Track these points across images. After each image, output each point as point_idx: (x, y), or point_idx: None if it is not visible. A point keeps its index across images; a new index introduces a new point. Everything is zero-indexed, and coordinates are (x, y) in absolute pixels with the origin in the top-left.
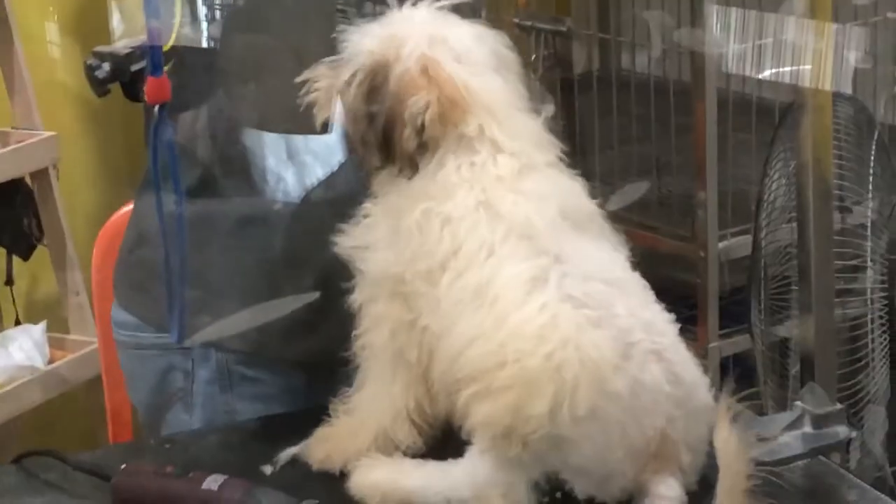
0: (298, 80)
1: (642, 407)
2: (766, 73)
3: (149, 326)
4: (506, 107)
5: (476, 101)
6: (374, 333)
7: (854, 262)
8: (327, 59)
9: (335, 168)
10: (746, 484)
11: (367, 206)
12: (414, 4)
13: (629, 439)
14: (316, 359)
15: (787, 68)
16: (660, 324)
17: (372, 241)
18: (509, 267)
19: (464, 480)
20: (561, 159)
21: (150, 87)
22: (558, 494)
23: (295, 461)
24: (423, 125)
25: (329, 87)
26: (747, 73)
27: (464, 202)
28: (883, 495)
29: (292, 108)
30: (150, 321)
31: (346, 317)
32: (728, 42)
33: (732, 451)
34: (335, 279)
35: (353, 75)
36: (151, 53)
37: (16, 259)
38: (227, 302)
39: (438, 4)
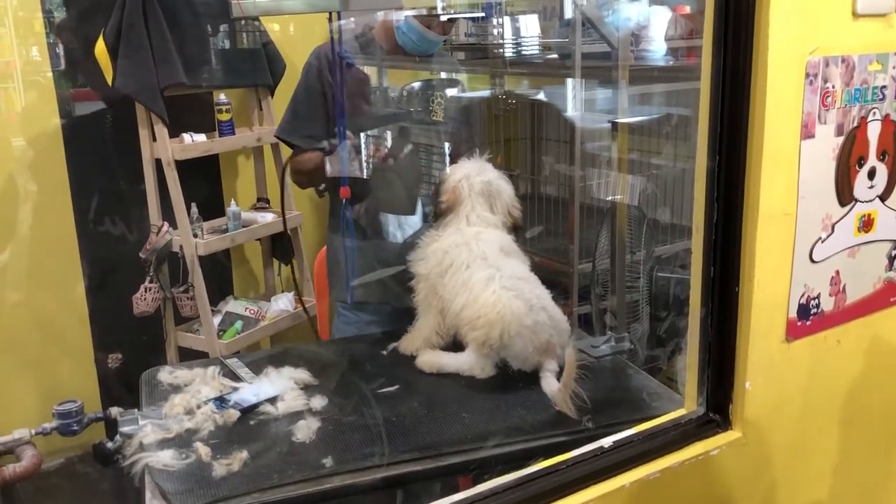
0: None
1: (538, 330)
2: (603, 195)
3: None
4: (478, 206)
5: (465, 203)
6: (421, 295)
7: (634, 275)
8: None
9: (416, 229)
10: (576, 365)
11: (422, 239)
12: None
13: (534, 344)
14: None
15: (611, 196)
16: (545, 297)
17: (419, 258)
18: (477, 273)
19: (465, 361)
20: (505, 224)
21: (342, 193)
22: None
23: (395, 349)
24: (446, 207)
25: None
26: (594, 195)
27: (455, 243)
28: (642, 371)
29: (401, 204)
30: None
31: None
32: (585, 180)
33: (572, 352)
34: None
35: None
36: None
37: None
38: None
39: (485, 156)
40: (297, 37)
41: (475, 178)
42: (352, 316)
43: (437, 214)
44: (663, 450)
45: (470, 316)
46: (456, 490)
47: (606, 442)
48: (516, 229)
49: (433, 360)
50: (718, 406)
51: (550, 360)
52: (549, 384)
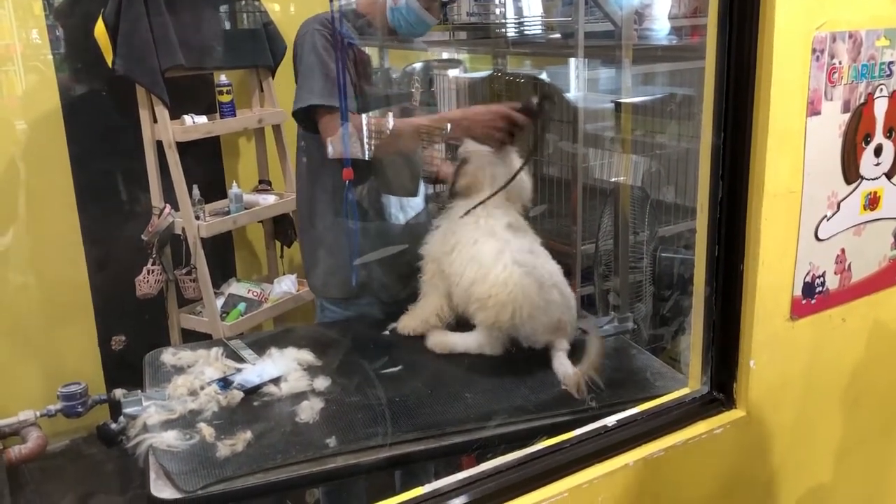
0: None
1: (550, 309)
2: (605, 176)
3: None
4: (497, 196)
5: (484, 192)
6: (427, 275)
7: (637, 255)
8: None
9: (419, 212)
10: (603, 344)
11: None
12: None
13: (545, 322)
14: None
15: (615, 176)
16: (556, 273)
17: (427, 239)
18: (486, 246)
19: (474, 340)
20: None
21: (345, 174)
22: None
23: (394, 329)
24: (465, 188)
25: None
26: (597, 175)
27: (463, 221)
28: (645, 350)
29: (403, 185)
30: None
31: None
32: (588, 162)
33: (600, 342)
34: (414, 259)
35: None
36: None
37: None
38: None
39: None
40: (297, 17)
41: (499, 168)
42: (338, 311)
43: (452, 193)
44: (667, 428)
45: (480, 293)
46: (459, 470)
47: (610, 421)
48: None
49: (443, 340)
50: (722, 385)
51: (561, 339)
52: (562, 364)
